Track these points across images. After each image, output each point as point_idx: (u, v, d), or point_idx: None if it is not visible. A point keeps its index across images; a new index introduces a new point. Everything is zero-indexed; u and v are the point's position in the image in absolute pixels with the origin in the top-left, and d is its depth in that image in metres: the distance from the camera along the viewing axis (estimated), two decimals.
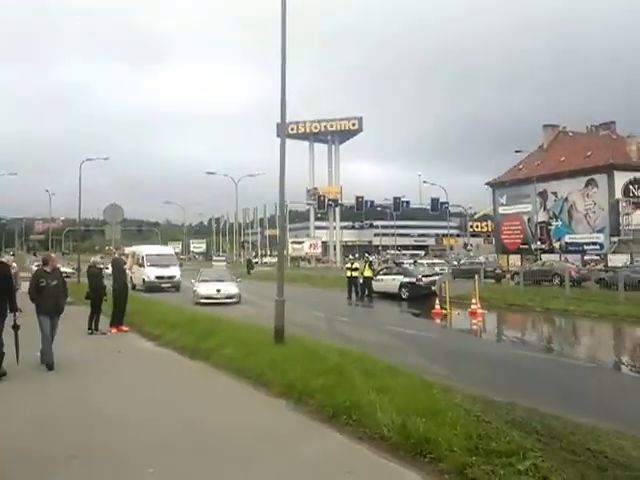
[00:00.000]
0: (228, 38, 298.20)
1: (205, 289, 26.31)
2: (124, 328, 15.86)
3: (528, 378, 11.33)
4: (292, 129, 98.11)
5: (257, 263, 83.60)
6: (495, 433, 6.25)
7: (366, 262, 30.59)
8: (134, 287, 33.18)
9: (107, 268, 18.44)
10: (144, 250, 37.36)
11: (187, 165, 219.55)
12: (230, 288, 26.60)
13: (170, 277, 34.32)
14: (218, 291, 26.00)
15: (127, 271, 17.03)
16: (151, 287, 32.68)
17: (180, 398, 8.59)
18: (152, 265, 34.74)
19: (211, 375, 10.34)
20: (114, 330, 15.60)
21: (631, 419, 8.06)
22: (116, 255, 17.07)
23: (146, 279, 33.81)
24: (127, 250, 37.43)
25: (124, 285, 16.34)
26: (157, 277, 34.01)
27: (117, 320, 15.88)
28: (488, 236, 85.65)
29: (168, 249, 45.86)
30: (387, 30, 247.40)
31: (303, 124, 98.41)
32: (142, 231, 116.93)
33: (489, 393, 8.73)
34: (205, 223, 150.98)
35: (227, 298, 25.72)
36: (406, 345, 14.79)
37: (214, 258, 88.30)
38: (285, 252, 65.74)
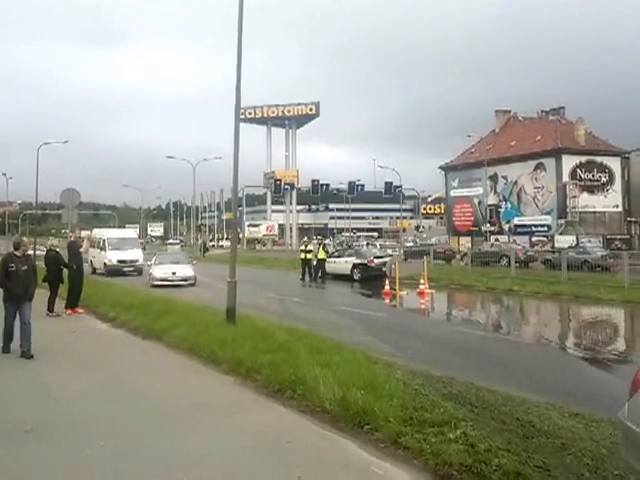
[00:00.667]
0: (188, 21, 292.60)
1: (160, 272, 26.43)
2: (80, 310, 15.97)
3: (469, 354, 11.76)
4: (250, 113, 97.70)
5: (214, 246, 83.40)
6: (431, 405, 6.65)
7: (320, 244, 30.93)
8: (94, 271, 33.66)
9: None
10: (106, 233, 36.79)
11: (147, 149, 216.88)
12: (185, 270, 26.85)
13: (132, 261, 33.66)
14: (174, 274, 26.16)
15: (85, 254, 17.03)
16: (113, 271, 32.15)
17: (131, 376, 8.87)
18: (114, 248, 33.97)
19: (163, 354, 10.58)
20: (69, 312, 15.71)
21: (562, 392, 8.59)
22: (72, 238, 17.03)
23: (108, 263, 33.21)
24: (84, 234, 37.09)
25: (79, 268, 16.37)
26: (119, 261, 33.30)
27: (72, 302, 15.97)
28: (441, 218, 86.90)
29: (130, 232, 44.73)
30: (342, 14, 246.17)
31: (260, 109, 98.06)
32: (99, 214, 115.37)
33: (431, 368, 9.14)
34: (163, 207, 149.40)
35: (182, 280, 25.95)
36: (355, 324, 15.19)
37: (169, 242, 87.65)
38: (241, 235, 65.77)
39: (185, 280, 26.08)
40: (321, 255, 29.65)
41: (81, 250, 16.71)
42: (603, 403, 7.93)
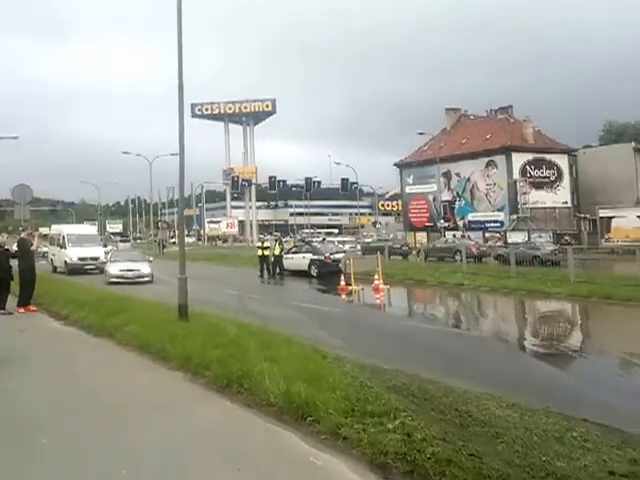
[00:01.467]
0: (139, 12, 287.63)
1: (116, 269, 26.31)
2: (32, 308, 15.81)
3: (418, 348, 12.09)
4: (207, 110, 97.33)
5: (174, 243, 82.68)
6: (374, 396, 6.81)
7: (276, 241, 31.01)
8: (55, 269, 33.14)
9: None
10: (65, 230, 35.24)
11: (104, 144, 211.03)
12: (142, 267, 26.78)
13: (94, 258, 32.12)
14: (129, 271, 26.08)
15: (37, 251, 16.85)
16: (74, 269, 31.07)
17: (79, 374, 8.88)
18: (74, 245, 32.62)
19: (113, 351, 10.59)
20: (22, 310, 15.53)
21: (504, 383, 8.95)
22: (23, 235, 16.83)
23: (68, 261, 31.96)
24: (42, 230, 36.28)
25: (30, 265, 16.19)
26: (80, 258, 31.96)
27: (24, 300, 15.80)
28: (398, 215, 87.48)
29: (91, 228, 42.47)
30: (299, 11, 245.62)
31: (217, 105, 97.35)
32: (56, 211, 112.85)
33: (380, 361, 9.39)
34: (122, 203, 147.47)
35: (139, 277, 25.91)
36: (309, 319, 15.40)
37: (119, 239, 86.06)
38: (202, 232, 65.23)
39: (141, 277, 26.02)
40: (277, 251, 29.73)
41: (32, 248, 16.52)
42: (541, 393, 8.29)
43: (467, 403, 7.02)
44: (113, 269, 26.36)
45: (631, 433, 6.27)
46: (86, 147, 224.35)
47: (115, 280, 25.19)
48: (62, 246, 32.96)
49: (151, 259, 29.62)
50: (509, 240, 48.36)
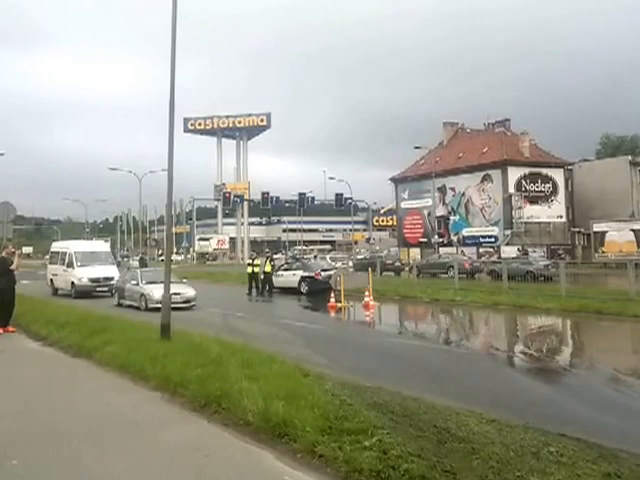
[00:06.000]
0: (124, 25, 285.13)
1: (160, 292, 23.12)
2: (10, 329, 15.57)
3: (404, 365, 11.97)
4: (199, 124, 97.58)
5: (162, 260, 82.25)
6: (352, 414, 6.80)
7: (267, 258, 30.90)
8: (56, 292, 30.18)
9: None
10: (72, 247, 31.11)
11: (90, 159, 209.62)
12: (187, 290, 23.58)
13: (107, 279, 28.11)
14: (177, 294, 21.66)
15: (17, 271, 16.53)
16: (83, 291, 27.81)
17: (55, 395, 8.77)
18: (83, 265, 28.92)
19: (92, 372, 10.48)
20: (0, 331, 15.38)
21: (487, 399, 8.88)
22: (3, 254, 16.65)
23: (77, 282, 28.30)
24: (26, 249, 34.86)
25: (10, 285, 15.95)
26: (91, 280, 28.31)
27: (2, 321, 15.59)
28: (393, 230, 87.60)
29: (103, 245, 36.93)
30: (295, 23, 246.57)
31: (211, 119, 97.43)
32: (40, 229, 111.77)
33: (363, 379, 9.32)
34: (110, 220, 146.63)
35: (186, 302, 22.67)
36: (295, 337, 15.27)
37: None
38: (192, 249, 64.14)
39: (188, 302, 22.97)
40: (267, 268, 29.58)
41: (12, 267, 16.27)
42: (523, 409, 8.24)
43: (447, 420, 6.96)
44: (157, 293, 21.33)
45: (608, 447, 6.23)
46: (72, 162, 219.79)
47: (159, 306, 21.69)
48: (69, 265, 29.36)
49: (185, 280, 25.91)
50: (502, 255, 48.46)
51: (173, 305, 20.44)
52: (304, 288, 28.88)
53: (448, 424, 6.76)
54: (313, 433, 6.15)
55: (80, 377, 10.20)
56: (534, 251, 49.72)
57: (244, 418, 6.98)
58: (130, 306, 22.84)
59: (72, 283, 28.62)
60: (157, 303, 20.61)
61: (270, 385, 7.83)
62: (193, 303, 22.88)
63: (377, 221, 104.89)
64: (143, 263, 43.89)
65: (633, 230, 46.70)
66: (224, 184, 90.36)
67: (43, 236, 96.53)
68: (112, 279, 27.82)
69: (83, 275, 28.42)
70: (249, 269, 30.30)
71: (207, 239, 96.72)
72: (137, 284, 23.61)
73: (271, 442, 6.36)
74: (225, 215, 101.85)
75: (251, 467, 5.78)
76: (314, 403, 7.06)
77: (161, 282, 21.24)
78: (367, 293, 23.19)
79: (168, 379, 8.82)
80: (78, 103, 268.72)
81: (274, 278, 29.92)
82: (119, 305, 23.73)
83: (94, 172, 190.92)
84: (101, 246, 35.33)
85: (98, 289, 28.18)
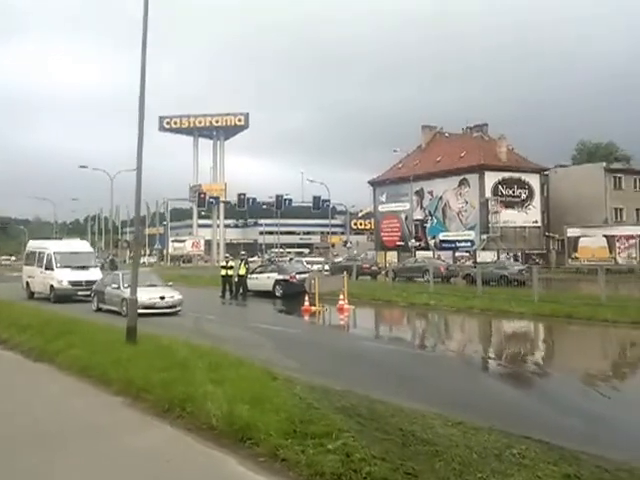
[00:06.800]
0: (95, 19, 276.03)
1: (147, 296, 20.53)
2: None
3: (376, 368, 11.92)
4: (175, 123, 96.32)
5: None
6: (318, 417, 6.74)
7: (242, 260, 30.74)
8: (32, 295, 28.57)
9: None
10: (51, 246, 28.85)
11: (59, 157, 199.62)
12: (174, 294, 22.45)
13: (90, 282, 25.50)
14: (162, 298, 21.77)
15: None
16: (63, 295, 26.03)
17: (11, 399, 8.61)
18: (64, 266, 27.01)
19: (52, 376, 10.31)
20: None
21: (455, 402, 8.87)
22: None
23: (56, 285, 26.50)
24: (30, 246, 32.36)
25: None
26: (72, 283, 26.43)
27: None
28: (371, 234, 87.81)
29: (85, 245, 33.49)
30: (276, 23, 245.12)
31: (187, 118, 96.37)
32: (7, 229, 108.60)
33: (333, 382, 9.21)
34: (81, 221, 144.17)
35: (172, 307, 21.68)
36: (267, 340, 15.15)
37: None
38: (165, 251, 62.83)
39: (174, 307, 21.86)
40: (242, 271, 29.42)
41: None
42: (490, 412, 8.21)
43: (413, 422, 6.93)
44: (142, 297, 19.22)
45: (570, 449, 6.25)
46: (42, 160, 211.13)
47: (144, 311, 19.11)
48: (48, 267, 27.42)
49: (171, 283, 24.84)
50: (478, 259, 48.75)
51: (158, 310, 20.44)
52: (279, 291, 28.68)
53: (414, 427, 6.73)
54: (277, 437, 6.09)
55: (40, 381, 10.01)
56: (508, 256, 50.06)
57: (208, 422, 6.89)
58: (110, 311, 21.42)
59: (51, 286, 26.89)
60: (141, 308, 18.68)
61: (236, 389, 7.74)
62: (179, 308, 21.64)
63: (355, 224, 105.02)
64: (114, 265, 42.55)
65: (606, 236, 47.21)
66: (200, 185, 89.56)
67: (10, 237, 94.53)
68: (95, 282, 25.20)
69: (63, 278, 26.62)
70: (223, 272, 30.03)
71: (181, 241, 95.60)
72: (118, 287, 21.75)
73: (234, 446, 6.28)
74: (200, 217, 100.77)
75: (212, 472, 5.74)
76: (280, 407, 6.99)
77: (145, 285, 20.60)
78: (342, 297, 23.12)
79: (131, 383, 8.67)
80: (49, 99, 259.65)
81: (248, 281, 29.74)
82: (98, 310, 22.43)
83: (66, 170, 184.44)
84: (83, 246, 32.43)
85: (80, 293, 26.17)
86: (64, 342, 12.07)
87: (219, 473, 5.69)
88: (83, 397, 8.72)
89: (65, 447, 6.43)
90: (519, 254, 52.59)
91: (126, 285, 20.56)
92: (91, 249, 33.82)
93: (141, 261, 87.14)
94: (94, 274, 26.77)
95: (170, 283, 24.42)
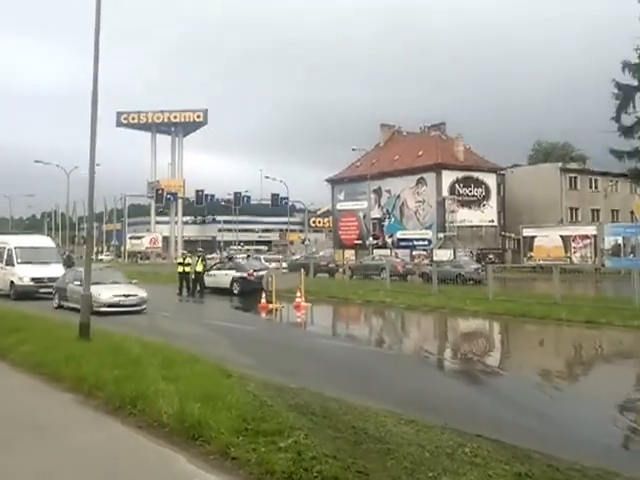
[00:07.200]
0: (60, 13, 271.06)
1: (110, 294, 20.83)
2: None
3: (330, 365, 11.98)
4: (133, 119, 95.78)
5: (92, 260, 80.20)
6: (271, 415, 6.72)
7: (199, 257, 30.51)
8: None
9: None
10: (12, 241, 27.64)
11: (15, 151, 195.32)
12: (138, 292, 21.82)
13: (52, 279, 24.31)
14: (127, 296, 21.25)
15: None
16: (24, 292, 25.06)
17: None
18: (25, 262, 26.06)
19: (3, 373, 10.09)
20: None
21: (408, 399, 8.92)
22: None
23: (17, 282, 25.55)
24: None
25: None
26: (34, 279, 25.46)
27: None
28: (330, 231, 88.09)
29: (47, 241, 32.33)
30: (237, 18, 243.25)
31: (145, 114, 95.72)
32: None
33: (288, 380, 9.24)
34: (38, 217, 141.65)
35: (137, 305, 21.01)
36: (223, 338, 15.11)
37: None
38: (121, 247, 62.09)
39: (139, 305, 21.19)
40: (199, 268, 29.21)
41: None
42: (444, 410, 8.28)
43: (366, 420, 6.94)
44: (105, 295, 20.28)
45: (522, 448, 6.30)
46: None
47: (108, 310, 19.60)
48: (8, 262, 26.55)
49: (135, 281, 24.29)
50: (435, 258, 49.21)
51: (121, 309, 19.96)
52: (236, 288, 28.61)
53: (367, 425, 6.74)
54: (228, 435, 6.04)
55: None
56: (465, 255, 50.66)
57: (159, 420, 6.81)
58: (72, 309, 19.73)
59: (11, 283, 25.98)
60: (104, 306, 19.62)
61: (189, 386, 7.68)
62: (144, 307, 20.93)
63: (314, 222, 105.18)
64: (70, 261, 41.38)
65: (561, 235, 48.06)
66: (158, 181, 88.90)
67: None
68: (57, 279, 24.12)
69: (24, 274, 25.69)
70: (180, 269, 29.76)
71: (139, 237, 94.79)
72: (81, 284, 19.83)
73: (185, 444, 6.22)
74: (159, 213, 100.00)
75: (162, 470, 5.65)
76: (232, 404, 6.94)
77: (109, 283, 21.37)
78: (299, 294, 23.14)
79: (83, 380, 8.54)
80: (2, 93, 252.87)
81: (206, 278, 29.55)
82: (60, 307, 21.59)
83: (21, 166, 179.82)
84: (45, 242, 31.38)
85: (41, 290, 25.09)
86: (17, 338, 11.85)
87: (168, 471, 5.60)
88: (34, 394, 8.57)
89: (13, 445, 6.30)
90: (473, 252, 53.22)
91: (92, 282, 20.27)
92: (53, 244, 32.43)
93: (98, 257, 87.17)
94: (56, 270, 25.62)
95: (134, 281, 23.92)
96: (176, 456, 5.94)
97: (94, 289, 19.53)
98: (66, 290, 22.02)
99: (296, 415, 6.87)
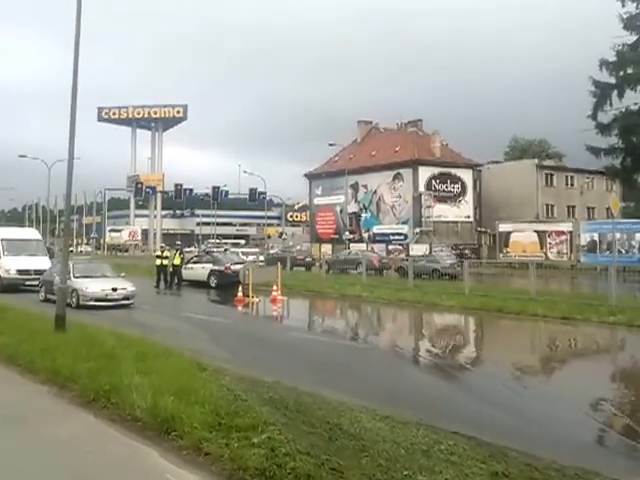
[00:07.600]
0: (30, 9, 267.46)
1: (97, 287, 20.67)
2: None
3: (305, 360, 12.01)
4: (114, 114, 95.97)
5: (72, 252, 79.72)
6: (245, 410, 6.70)
7: (177, 250, 30.38)
8: None
9: None
10: None
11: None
12: (127, 286, 21.58)
13: (38, 271, 24.04)
14: (115, 290, 20.87)
15: None
16: (10, 285, 24.90)
17: None
18: (11, 254, 25.91)
19: None
20: None
21: (382, 394, 8.92)
22: None
23: (2, 274, 25.37)
24: None
25: None
26: (20, 271, 25.29)
27: None
28: (307, 226, 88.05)
29: (34, 233, 32.21)
30: (218, 13, 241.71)
31: (125, 109, 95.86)
32: None
33: (263, 374, 9.22)
34: (19, 209, 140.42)
35: (125, 299, 20.78)
36: (199, 331, 15.07)
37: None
38: (102, 241, 61.58)
39: (127, 298, 20.96)
40: (176, 261, 29.14)
41: None
42: (419, 406, 8.28)
43: (340, 416, 6.93)
44: (93, 288, 20.19)
45: (499, 446, 6.27)
46: None
47: (95, 304, 19.66)
48: None
49: (123, 274, 23.93)
50: (411, 253, 49.34)
51: (110, 303, 19.85)
52: (213, 282, 28.60)
53: (341, 420, 6.74)
54: (201, 429, 6.04)
55: None
56: (441, 250, 50.81)
57: (132, 414, 6.80)
58: None
59: None
60: (92, 300, 19.65)
61: (162, 379, 7.67)
62: (132, 301, 20.71)
63: (291, 216, 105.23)
64: (51, 253, 41.07)
65: (537, 231, 48.39)
66: (137, 175, 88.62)
67: None
68: (44, 271, 23.62)
69: (10, 266, 25.52)
70: (158, 261, 29.60)
71: (118, 230, 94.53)
72: (68, 277, 19.73)
73: (157, 439, 6.20)
74: (138, 207, 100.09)
75: (133, 464, 5.64)
76: (206, 398, 6.94)
77: (97, 276, 21.29)
78: (275, 287, 23.11)
79: (58, 372, 8.53)
80: None
81: (183, 271, 29.50)
82: (46, 300, 20.90)
83: (4, 159, 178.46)
84: (32, 234, 31.20)
85: (27, 283, 24.96)
86: None
87: (140, 466, 5.59)
88: (9, 386, 8.56)
89: None
90: (453, 248, 53.46)
91: (77, 275, 20.60)
92: (40, 237, 32.06)
93: (78, 250, 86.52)
94: (43, 263, 25.36)
95: (122, 274, 23.63)
96: (148, 450, 5.93)
97: (81, 282, 20.21)
98: (52, 283, 20.92)
99: (270, 410, 6.85)
